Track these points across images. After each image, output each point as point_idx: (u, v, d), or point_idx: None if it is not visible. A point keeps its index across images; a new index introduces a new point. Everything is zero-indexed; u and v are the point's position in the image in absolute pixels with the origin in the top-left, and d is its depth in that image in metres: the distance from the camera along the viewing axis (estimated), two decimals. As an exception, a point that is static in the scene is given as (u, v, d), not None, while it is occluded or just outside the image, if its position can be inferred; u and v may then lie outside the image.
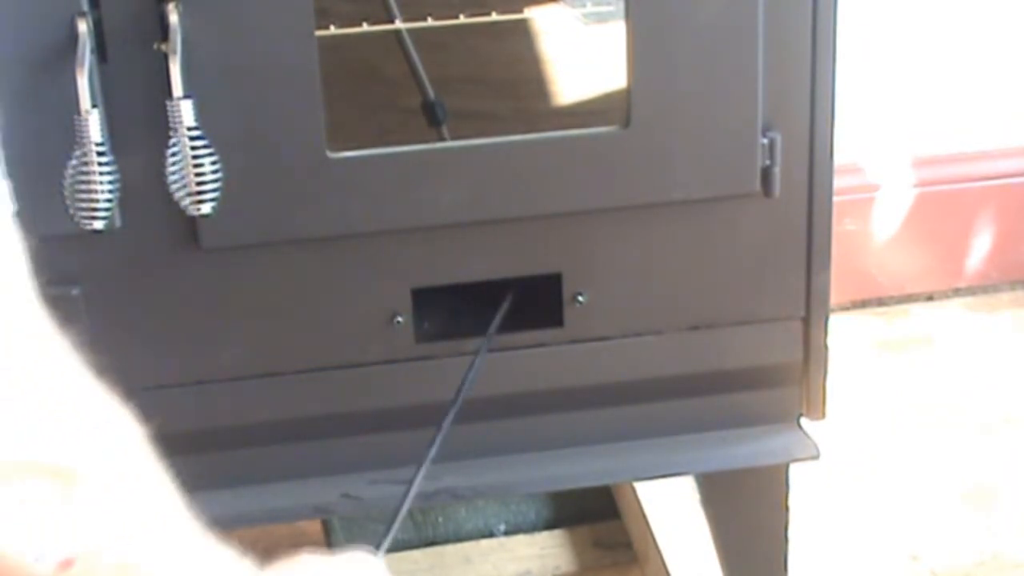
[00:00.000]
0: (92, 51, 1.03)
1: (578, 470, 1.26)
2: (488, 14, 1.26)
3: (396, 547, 1.64)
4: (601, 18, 1.29)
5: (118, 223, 1.09)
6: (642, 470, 1.30)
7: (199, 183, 1.03)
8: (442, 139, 1.26)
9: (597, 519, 1.67)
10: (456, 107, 1.29)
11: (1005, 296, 2.14)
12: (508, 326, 1.21)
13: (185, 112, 1.03)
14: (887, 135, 2.06)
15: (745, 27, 1.14)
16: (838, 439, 1.74)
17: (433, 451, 1.08)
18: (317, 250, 1.16)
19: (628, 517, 1.66)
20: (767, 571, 1.37)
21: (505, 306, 1.20)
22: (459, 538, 1.65)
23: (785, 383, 1.27)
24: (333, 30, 1.20)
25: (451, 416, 1.10)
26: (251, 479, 1.22)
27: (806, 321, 1.25)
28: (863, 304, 2.12)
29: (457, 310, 1.22)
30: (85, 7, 1.04)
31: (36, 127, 1.06)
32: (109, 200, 1.02)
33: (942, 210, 2.10)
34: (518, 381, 1.23)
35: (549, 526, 1.67)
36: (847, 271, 2.01)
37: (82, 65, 1.02)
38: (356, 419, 1.18)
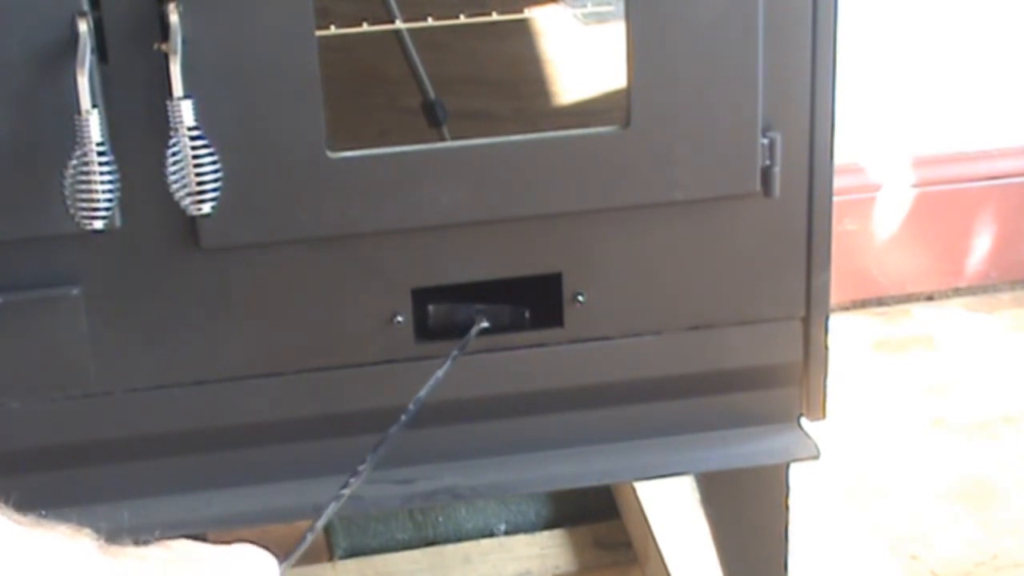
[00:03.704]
0: (92, 51, 1.03)
1: (578, 470, 1.26)
2: (488, 14, 1.26)
3: (396, 547, 1.64)
4: (601, 18, 1.29)
5: (118, 223, 1.09)
6: (642, 470, 1.30)
7: (199, 183, 1.03)
8: (442, 139, 1.26)
9: (597, 519, 1.67)
10: (456, 107, 1.29)
11: (1005, 296, 2.14)
12: (508, 326, 1.22)
13: (185, 112, 1.03)
14: (887, 135, 2.06)
15: (745, 27, 1.14)
16: (838, 439, 1.74)
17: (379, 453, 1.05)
18: (317, 250, 1.16)
19: (628, 517, 1.66)
20: (767, 571, 1.37)
21: (475, 330, 1.20)
22: (459, 538, 1.65)
23: (785, 383, 1.27)
24: (333, 30, 1.20)
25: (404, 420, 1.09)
26: (251, 479, 1.22)
27: (806, 321, 1.25)
28: (863, 304, 2.12)
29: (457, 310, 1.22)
30: (85, 7, 1.04)
31: (36, 127, 1.06)
32: (109, 200, 1.02)
33: (942, 210, 2.10)
34: (518, 381, 1.23)
35: (549, 526, 1.67)
36: (847, 271, 2.01)
37: (82, 65, 1.02)
38: (356, 419, 1.18)
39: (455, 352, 1.16)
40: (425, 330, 1.20)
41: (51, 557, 0.62)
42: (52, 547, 0.62)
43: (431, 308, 1.20)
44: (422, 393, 1.12)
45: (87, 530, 0.65)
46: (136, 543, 0.67)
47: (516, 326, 1.22)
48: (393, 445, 1.18)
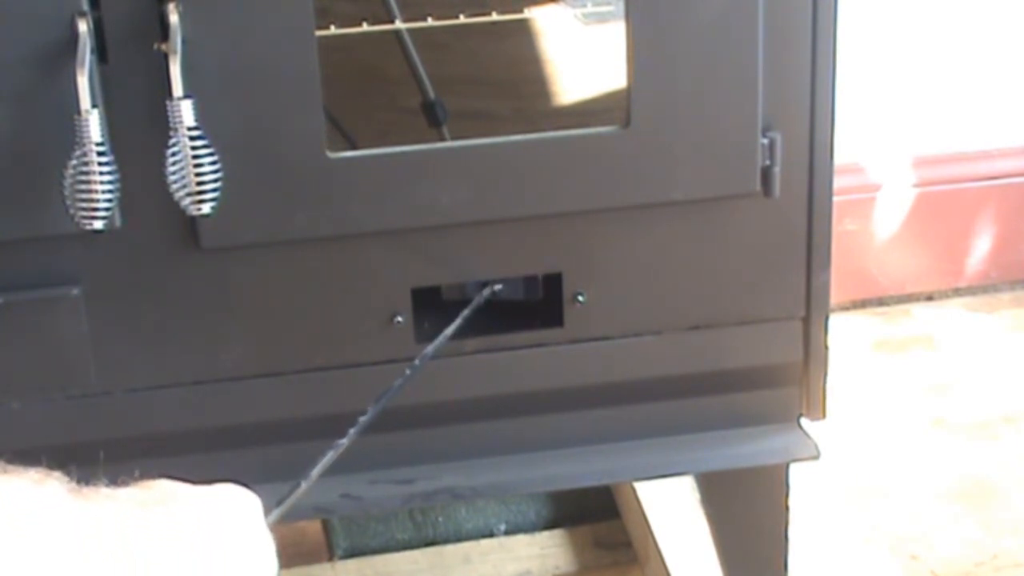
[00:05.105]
0: (92, 51, 1.03)
1: (578, 470, 1.26)
2: (488, 14, 1.26)
3: (396, 547, 1.64)
4: (601, 18, 1.29)
5: (118, 223, 1.09)
6: (642, 470, 1.30)
7: (199, 183, 1.03)
8: (442, 139, 1.26)
9: (597, 519, 1.67)
10: (456, 107, 1.29)
11: (1005, 296, 2.14)
12: (508, 326, 1.22)
13: (185, 112, 1.03)
14: (887, 135, 2.06)
15: (745, 27, 1.14)
16: (838, 439, 1.74)
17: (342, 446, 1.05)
18: (317, 250, 1.16)
19: (628, 517, 1.66)
20: (767, 571, 1.37)
21: (488, 290, 1.20)
22: (459, 538, 1.65)
23: (785, 383, 1.27)
24: (333, 30, 1.20)
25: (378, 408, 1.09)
26: (252, 479, 1.21)
27: (806, 321, 1.25)
28: (863, 304, 2.12)
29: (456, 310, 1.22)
30: (85, 7, 1.04)
31: (36, 127, 1.06)
32: (109, 200, 1.02)
33: (942, 210, 2.10)
34: (518, 381, 1.23)
35: (549, 526, 1.67)
36: (847, 271, 2.01)
37: (82, 65, 1.02)
38: (356, 419, 1.18)
39: (466, 312, 1.16)
40: (425, 330, 1.20)
41: (17, 502, 0.60)
42: (18, 492, 0.60)
43: (443, 286, 1.20)
44: (429, 350, 1.12)
45: (57, 473, 0.63)
46: (112, 484, 0.65)
47: (530, 289, 1.21)
48: (392, 444, 1.18)
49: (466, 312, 1.16)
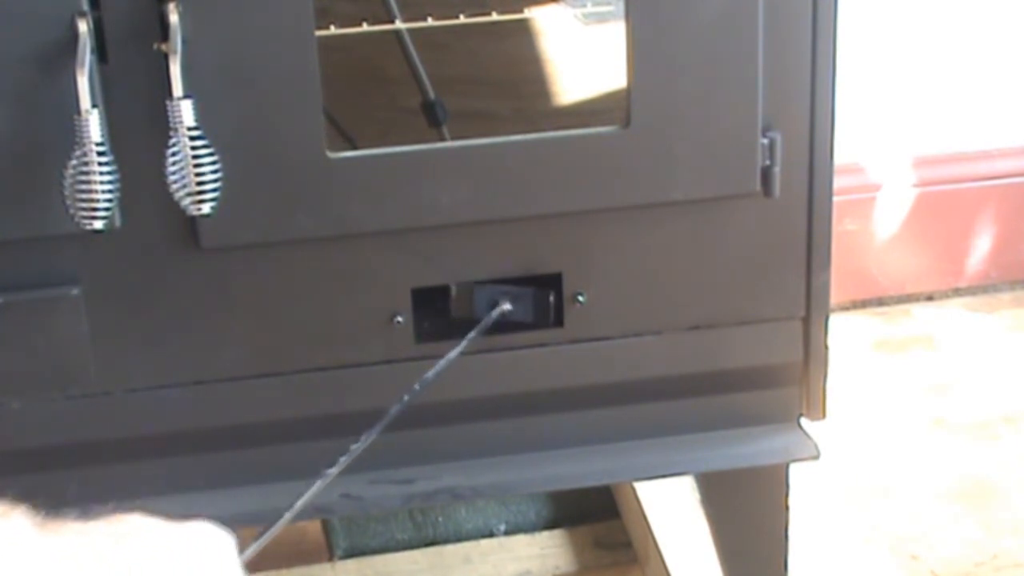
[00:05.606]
0: (92, 51, 1.03)
1: (578, 470, 1.26)
2: (488, 14, 1.26)
3: (396, 547, 1.64)
4: (601, 18, 1.29)
5: (118, 223, 1.09)
6: (642, 470, 1.30)
7: (199, 183, 1.03)
8: (442, 139, 1.26)
9: (597, 519, 1.67)
10: (456, 107, 1.29)
11: (1005, 296, 2.14)
12: (508, 326, 1.22)
13: (185, 112, 1.03)
14: (887, 135, 2.06)
15: (745, 27, 1.14)
16: (838, 439, 1.74)
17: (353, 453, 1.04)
18: (317, 250, 1.16)
19: (628, 517, 1.66)
20: (767, 571, 1.37)
21: (497, 311, 1.19)
22: (459, 538, 1.65)
23: (785, 383, 1.27)
24: (333, 30, 1.20)
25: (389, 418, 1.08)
26: (251, 479, 1.22)
27: (806, 321, 1.25)
28: (863, 304, 2.12)
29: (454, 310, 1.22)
30: (85, 7, 1.04)
31: (36, 127, 1.06)
32: (109, 200, 1.02)
33: (942, 210, 2.10)
34: (518, 381, 1.23)
35: (549, 526, 1.67)
36: (847, 271, 2.01)
37: (82, 65, 1.02)
38: (356, 419, 1.18)
39: (472, 334, 1.16)
40: (425, 330, 1.20)
41: None
42: None
43: (452, 287, 1.20)
44: (430, 374, 1.12)
45: (23, 507, 0.61)
46: (82, 517, 0.64)
47: (540, 312, 1.21)
48: (392, 444, 1.18)
49: (471, 335, 1.16)
